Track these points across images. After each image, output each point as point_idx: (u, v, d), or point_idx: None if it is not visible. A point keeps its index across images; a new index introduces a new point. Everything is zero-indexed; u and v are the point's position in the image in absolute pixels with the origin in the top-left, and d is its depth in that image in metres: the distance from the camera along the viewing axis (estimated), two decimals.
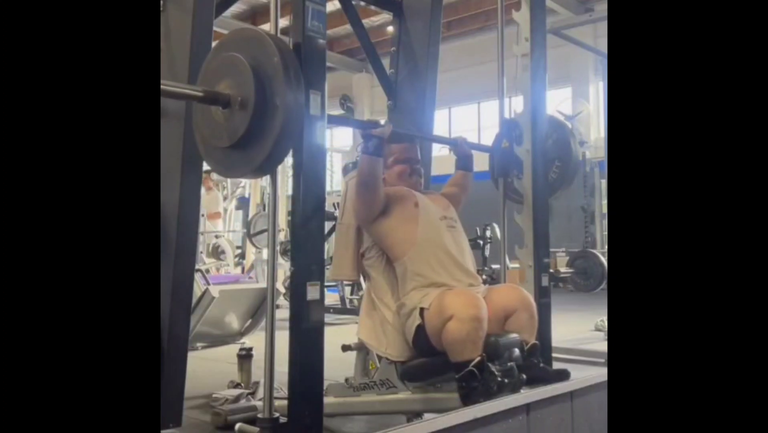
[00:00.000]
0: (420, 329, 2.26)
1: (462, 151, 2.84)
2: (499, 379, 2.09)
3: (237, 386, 3.10)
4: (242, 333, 5.02)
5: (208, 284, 4.75)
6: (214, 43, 2.26)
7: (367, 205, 2.43)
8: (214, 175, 7.19)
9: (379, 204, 2.42)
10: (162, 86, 1.77)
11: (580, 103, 11.24)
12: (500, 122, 3.21)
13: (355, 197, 2.45)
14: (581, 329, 5.40)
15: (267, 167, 2.00)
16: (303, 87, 1.95)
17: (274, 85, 1.89)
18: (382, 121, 2.60)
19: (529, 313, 2.38)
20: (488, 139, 3.45)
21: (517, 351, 2.28)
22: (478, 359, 2.10)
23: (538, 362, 2.38)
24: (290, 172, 2.31)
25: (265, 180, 2.60)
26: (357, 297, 6.51)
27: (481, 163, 3.14)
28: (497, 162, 3.16)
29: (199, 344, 4.70)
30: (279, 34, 2.13)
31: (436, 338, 2.21)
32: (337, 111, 15.36)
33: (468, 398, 2.08)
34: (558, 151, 3.27)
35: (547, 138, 3.14)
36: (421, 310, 2.27)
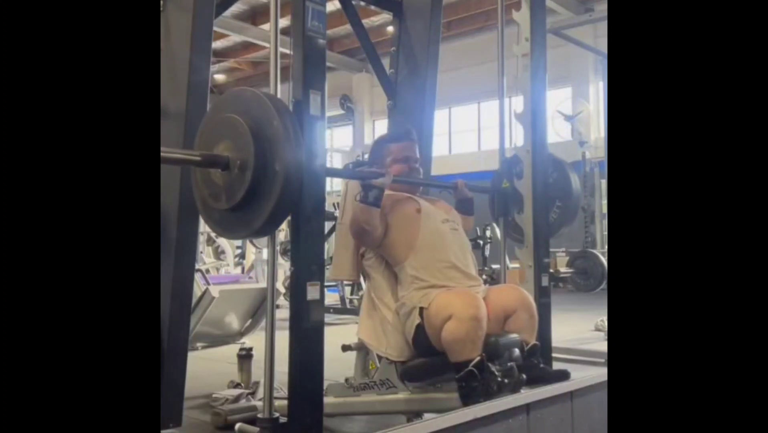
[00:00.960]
0: (420, 328, 2.27)
1: (461, 195, 2.80)
2: (499, 379, 2.09)
3: (237, 386, 3.10)
4: (242, 333, 5.02)
5: (208, 284, 4.76)
6: (214, 44, 2.26)
7: (365, 244, 2.48)
8: None
9: (377, 240, 2.42)
10: (162, 154, 1.76)
11: (580, 103, 11.26)
12: (500, 160, 3.19)
13: (355, 240, 2.47)
14: (581, 329, 5.40)
15: (266, 230, 2.01)
16: (303, 149, 1.93)
17: (275, 148, 1.88)
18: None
19: (529, 313, 2.38)
20: (489, 140, 3.45)
21: (517, 351, 2.28)
22: (478, 358, 2.10)
23: (538, 363, 2.38)
24: None
25: None
26: (357, 297, 6.51)
27: (482, 162, 3.14)
28: (497, 201, 3.14)
29: (199, 344, 4.70)
30: (279, 34, 2.13)
31: (435, 338, 2.21)
32: (337, 111, 15.38)
33: (468, 398, 2.08)
34: (559, 192, 3.24)
35: (547, 177, 3.12)
36: (421, 309, 2.27)
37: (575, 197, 3.32)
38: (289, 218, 2.02)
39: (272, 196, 1.88)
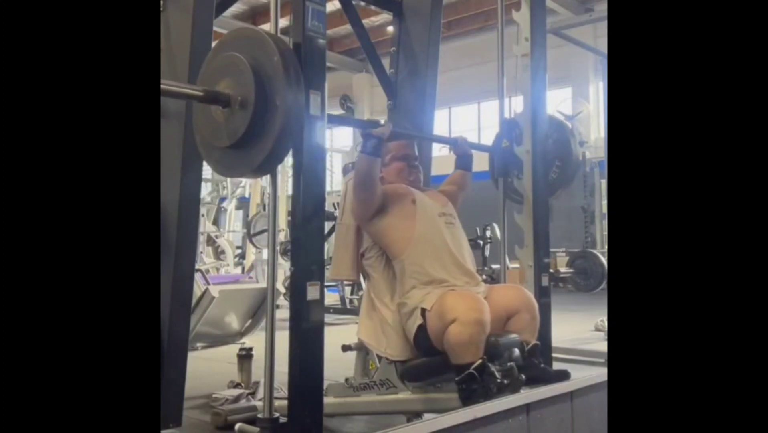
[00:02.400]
0: (421, 328, 2.26)
1: (462, 150, 2.83)
2: (499, 381, 2.09)
3: (237, 386, 3.10)
4: (242, 333, 5.02)
5: (208, 283, 4.76)
6: (214, 43, 2.26)
7: (363, 203, 2.44)
8: None
9: (376, 202, 2.42)
10: (162, 86, 1.77)
11: (580, 103, 11.24)
12: (500, 122, 3.21)
13: (352, 196, 2.46)
14: (581, 329, 5.40)
15: (267, 167, 2.00)
16: (303, 86, 1.95)
17: (274, 84, 1.89)
18: (382, 121, 2.60)
19: (531, 313, 2.38)
20: (488, 139, 3.45)
21: (517, 351, 2.28)
22: (479, 362, 2.10)
23: (538, 363, 2.38)
24: (290, 172, 2.31)
25: (265, 180, 2.60)
26: (357, 297, 6.51)
27: (480, 163, 3.14)
28: (497, 162, 3.16)
29: (199, 344, 4.70)
30: (279, 34, 2.13)
31: (437, 340, 2.21)
32: (337, 111, 15.37)
33: (468, 400, 2.07)
34: (558, 151, 3.27)
35: (547, 138, 3.14)
36: (423, 310, 2.26)
37: (574, 157, 3.35)
38: (289, 218, 2.02)
39: (273, 132, 1.88)
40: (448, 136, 2.97)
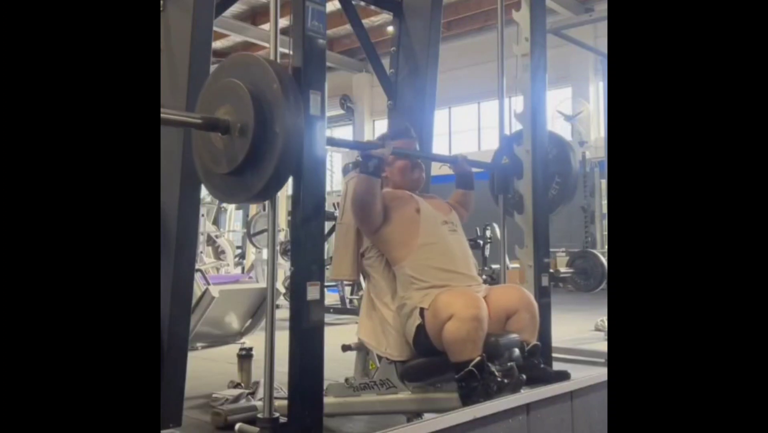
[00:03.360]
0: (420, 328, 2.26)
1: (461, 169, 2.81)
2: (499, 379, 2.09)
3: (237, 386, 3.10)
4: (242, 333, 5.02)
5: (208, 283, 4.76)
6: (214, 44, 2.27)
7: (365, 222, 2.44)
8: None
9: (378, 219, 2.42)
10: (162, 115, 1.76)
11: (580, 103, 11.24)
12: (500, 139, 3.20)
13: (354, 216, 2.46)
14: (581, 329, 5.40)
15: (266, 194, 2.00)
16: (303, 113, 1.93)
17: (274, 112, 1.88)
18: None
19: (531, 313, 2.38)
20: (488, 139, 3.45)
21: (517, 351, 2.28)
22: (478, 359, 2.10)
23: (538, 363, 2.38)
24: None
25: None
26: (357, 297, 6.51)
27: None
28: (497, 178, 3.15)
29: (199, 344, 4.70)
30: (279, 34, 2.13)
31: (436, 338, 2.21)
32: (337, 111, 15.37)
33: (468, 398, 2.08)
34: (558, 168, 3.26)
35: (547, 153, 3.13)
36: (421, 310, 2.27)
37: (574, 173, 3.34)
38: (289, 218, 2.02)
39: (272, 159, 1.88)
40: (447, 155, 2.94)
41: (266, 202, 2.16)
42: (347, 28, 10.60)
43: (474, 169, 2.87)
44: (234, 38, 13.35)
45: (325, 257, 2.22)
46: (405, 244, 2.41)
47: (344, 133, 16.39)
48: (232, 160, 1.94)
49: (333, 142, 2.59)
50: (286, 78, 1.93)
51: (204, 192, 2.49)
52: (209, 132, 1.99)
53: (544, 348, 2.58)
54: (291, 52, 2.06)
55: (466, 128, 14.12)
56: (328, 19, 2.12)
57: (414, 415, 2.39)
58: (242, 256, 8.76)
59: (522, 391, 2.11)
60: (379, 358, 2.49)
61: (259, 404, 2.65)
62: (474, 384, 2.08)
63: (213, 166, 2.03)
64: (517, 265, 3.29)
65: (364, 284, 2.76)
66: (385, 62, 3.47)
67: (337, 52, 14.07)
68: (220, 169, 2.00)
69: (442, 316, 2.16)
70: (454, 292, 2.25)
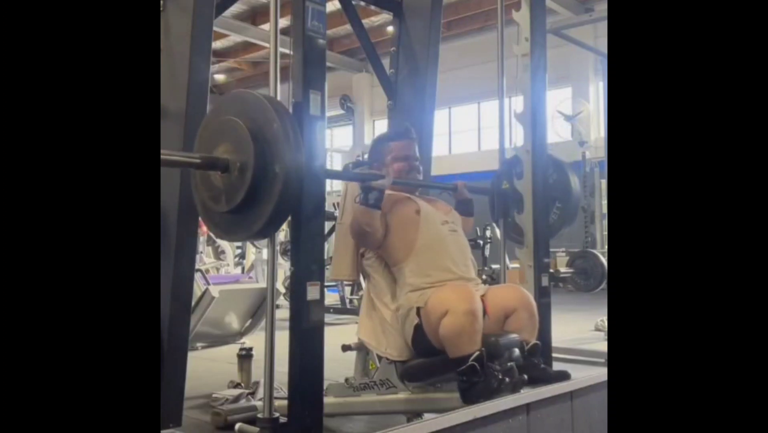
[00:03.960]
0: (418, 328, 2.27)
1: (461, 197, 2.80)
2: (500, 376, 2.09)
3: (237, 386, 3.10)
4: (242, 333, 5.02)
5: (208, 283, 4.76)
6: (214, 44, 2.26)
7: (366, 246, 2.48)
8: None
9: (378, 242, 2.43)
10: (162, 156, 1.76)
11: (580, 103, 11.26)
12: (500, 161, 3.19)
13: (355, 241, 2.47)
14: (581, 329, 5.40)
15: (266, 232, 2.00)
16: (303, 151, 1.93)
17: (274, 150, 1.88)
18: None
19: (529, 312, 2.38)
20: (489, 140, 3.45)
21: (517, 351, 2.28)
22: (477, 352, 2.10)
23: (538, 363, 2.38)
24: None
25: None
26: (357, 297, 6.51)
27: (482, 162, 3.14)
28: (497, 202, 3.13)
29: (199, 344, 4.70)
30: (279, 34, 2.13)
31: (433, 336, 2.21)
32: (337, 111, 15.38)
33: (468, 393, 2.08)
34: (558, 192, 3.24)
35: (547, 177, 3.12)
36: (418, 309, 2.27)
37: (575, 198, 3.32)
38: (289, 218, 2.02)
39: (272, 198, 1.88)
40: (446, 183, 2.92)
41: None
42: (347, 28, 10.60)
43: (474, 169, 2.87)
44: (234, 38, 13.37)
45: (325, 257, 2.22)
46: (406, 246, 2.41)
47: (344, 133, 16.41)
48: (231, 198, 1.94)
49: (330, 175, 2.60)
50: (286, 116, 1.93)
51: None
52: (208, 171, 1.99)
53: (544, 348, 2.57)
54: (291, 52, 2.06)
55: (466, 128, 14.13)
56: (328, 19, 2.12)
57: (414, 415, 2.39)
58: (242, 256, 8.75)
59: (522, 391, 2.11)
60: (379, 358, 2.49)
61: (259, 404, 2.65)
62: (475, 379, 2.08)
63: (212, 204, 2.03)
64: (517, 265, 3.29)
65: (364, 284, 2.76)
66: (385, 62, 3.47)
67: (337, 52, 14.08)
68: (220, 207, 2.00)
69: (437, 313, 2.17)
70: (447, 288, 2.26)
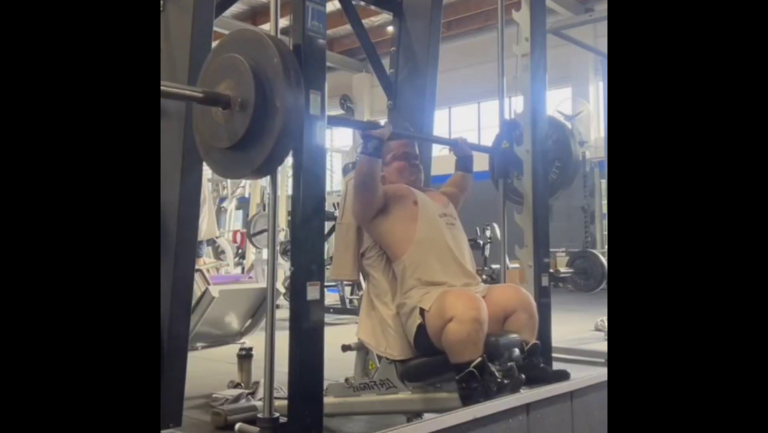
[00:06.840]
0: (421, 328, 2.27)
1: (462, 152, 2.84)
2: (499, 380, 2.09)
3: (237, 386, 3.10)
4: (242, 333, 5.02)
5: (208, 283, 4.75)
6: (214, 44, 2.27)
7: (365, 204, 2.44)
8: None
9: (377, 203, 2.42)
10: (162, 87, 1.78)
11: (580, 103, 11.24)
12: (500, 123, 3.21)
13: (354, 197, 2.46)
14: (581, 329, 5.40)
15: (267, 168, 2.00)
16: (303, 88, 1.95)
17: (275, 86, 1.89)
18: (382, 122, 2.60)
19: (529, 313, 2.38)
20: (488, 140, 3.45)
21: (516, 351, 2.28)
22: (479, 360, 2.10)
23: (538, 363, 2.38)
24: (290, 172, 2.31)
25: (265, 180, 2.60)
26: (357, 297, 6.51)
27: (480, 163, 3.14)
28: (497, 163, 3.16)
29: (199, 344, 4.70)
30: (279, 34, 2.13)
31: (436, 339, 2.21)
32: (337, 111, 15.37)
33: (468, 399, 2.08)
34: (558, 152, 3.28)
35: (547, 138, 3.14)
36: (422, 310, 2.27)
37: (574, 157, 3.35)
38: (289, 218, 2.02)
39: (273, 134, 1.88)
40: (448, 137, 2.97)
41: (266, 202, 2.16)
42: (347, 28, 10.59)
43: (474, 170, 2.88)
44: None
45: (325, 257, 2.22)
46: (404, 238, 2.41)
47: (344, 133, 16.39)
48: (232, 134, 1.94)
49: (333, 121, 2.60)
50: (287, 53, 1.94)
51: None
52: (210, 107, 1.99)
53: (544, 348, 2.58)
54: None
55: (466, 128, 14.13)
56: (328, 19, 2.12)
57: (414, 415, 2.39)
58: (242, 256, 8.76)
59: (522, 391, 2.11)
60: (379, 358, 2.49)
61: (259, 404, 2.65)
62: (474, 385, 2.08)
63: (213, 141, 2.03)
64: (517, 265, 3.29)
65: (364, 284, 2.77)
66: (385, 62, 3.47)
67: (337, 52, 14.07)
68: (221, 144, 2.00)
69: (443, 317, 2.16)
70: (455, 293, 2.25)
